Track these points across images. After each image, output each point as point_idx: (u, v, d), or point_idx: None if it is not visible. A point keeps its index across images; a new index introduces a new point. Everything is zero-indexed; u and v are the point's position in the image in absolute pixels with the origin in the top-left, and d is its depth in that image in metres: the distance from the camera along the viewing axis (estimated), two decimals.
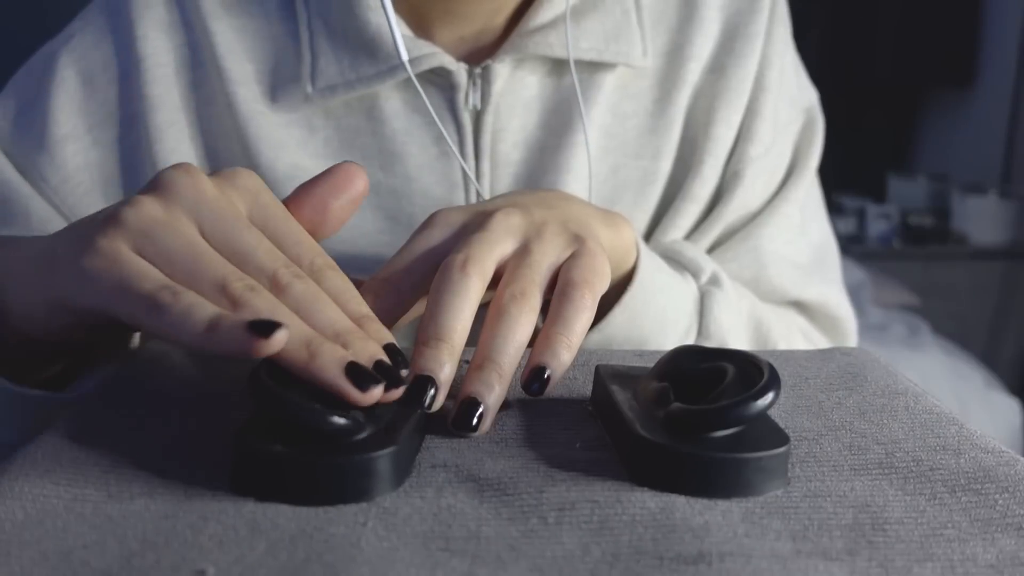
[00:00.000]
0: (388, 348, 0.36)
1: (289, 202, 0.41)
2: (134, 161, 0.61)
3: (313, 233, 0.41)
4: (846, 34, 3.12)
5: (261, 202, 0.39)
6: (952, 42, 3.00)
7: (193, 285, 0.34)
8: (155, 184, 0.38)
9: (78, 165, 0.61)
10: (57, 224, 0.60)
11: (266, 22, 0.62)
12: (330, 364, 0.33)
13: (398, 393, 0.35)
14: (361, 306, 0.38)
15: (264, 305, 0.34)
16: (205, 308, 0.33)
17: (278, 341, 0.32)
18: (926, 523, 0.31)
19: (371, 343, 0.36)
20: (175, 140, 0.61)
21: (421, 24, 0.62)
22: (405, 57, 0.55)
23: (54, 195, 0.61)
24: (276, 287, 0.36)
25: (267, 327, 0.32)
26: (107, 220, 0.36)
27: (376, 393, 0.33)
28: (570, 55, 0.60)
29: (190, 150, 0.61)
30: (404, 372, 0.36)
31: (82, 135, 0.61)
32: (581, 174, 0.61)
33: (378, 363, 0.35)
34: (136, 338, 0.50)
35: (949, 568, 0.28)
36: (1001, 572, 0.28)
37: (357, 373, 0.33)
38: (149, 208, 0.36)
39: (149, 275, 0.34)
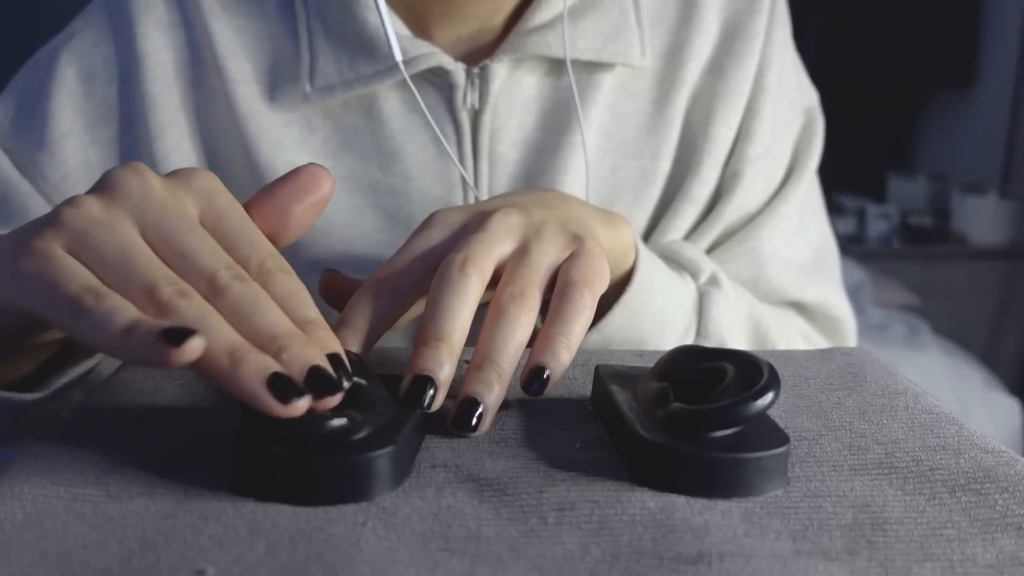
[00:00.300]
0: (331, 357, 0.34)
1: (250, 206, 0.39)
2: (133, 159, 0.61)
3: (275, 238, 0.39)
4: (846, 34, 3.12)
5: (215, 204, 0.37)
6: (952, 42, 3.00)
7: (124, 288, 0.33)
8: (101, 183, 0.37)
9: (77, 163, 0.61)
10: None
11: (265, 22, 0.62)
12: (252, 375, 0.31)
13: (334, 401, 0.32)
14: (310, 310, 0.35)
15: (191, 312, 0.32)
16: (125, 312, 0.31)
17: (192, 350, 0.30)
18: (926, 523, 0.31)
19: (311, 348, 0.33)
20: (175, 138, 0.61)
21: (420, 24, 0.62)
22: (399, 57, 0.55)
23: (53, 193, 0.61)
24: (214, 290, 0.34)
25: (180, 335, 0.30)
26: (46, 221, 0.35)
27: (301, 405, 0.31)
28: (567, 55, 0.60)
29: (190, 148, 0.61)
30: (346, 383, 0.33)
31: (81, 133, 0.61)
32: (579, 174, 0.61)
33: (313, 369, 0.32)
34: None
35: (949, 568, 0.28)
36: (1001, 572, 0.28)
37: (279, 385, 0.31)
38: (89, 208, 0.35)
39: (77, 276, 0.33)
